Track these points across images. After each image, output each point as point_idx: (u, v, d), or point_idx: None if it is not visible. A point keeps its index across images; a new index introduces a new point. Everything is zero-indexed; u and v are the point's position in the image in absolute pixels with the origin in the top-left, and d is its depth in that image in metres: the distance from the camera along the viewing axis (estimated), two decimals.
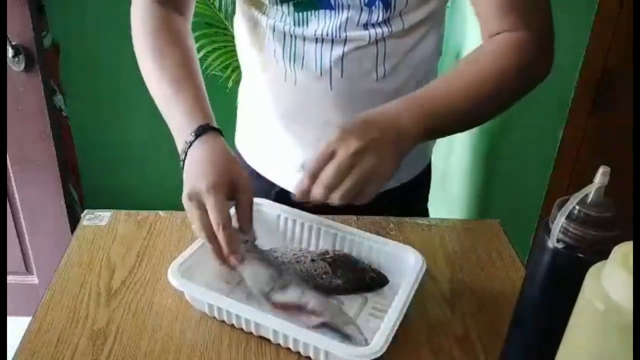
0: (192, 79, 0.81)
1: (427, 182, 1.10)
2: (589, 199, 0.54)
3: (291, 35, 0.86)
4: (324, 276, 0.74)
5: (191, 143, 0.74)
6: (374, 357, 0.61)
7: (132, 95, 1.80)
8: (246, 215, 0.73)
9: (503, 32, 0.78)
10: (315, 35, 0.84)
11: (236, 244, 0.70)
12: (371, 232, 0.83)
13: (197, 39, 1.61)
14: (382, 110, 0.72)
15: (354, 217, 0.91)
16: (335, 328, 0.67)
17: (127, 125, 1.89)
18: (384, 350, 0.62)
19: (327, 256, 0.76)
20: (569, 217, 0.54)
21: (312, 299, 0.68)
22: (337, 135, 0.68)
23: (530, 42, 0.77)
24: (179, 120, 0.78)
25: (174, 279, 0.70)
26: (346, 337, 0.67)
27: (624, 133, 1.43)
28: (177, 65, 0.81)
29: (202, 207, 0.69)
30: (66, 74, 1.77)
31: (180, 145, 0.76)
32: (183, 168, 0.75)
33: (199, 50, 1.60)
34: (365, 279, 0.75)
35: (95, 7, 1.68)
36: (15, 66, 1.55)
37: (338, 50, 0.85)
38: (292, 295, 0.69)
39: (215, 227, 0.69)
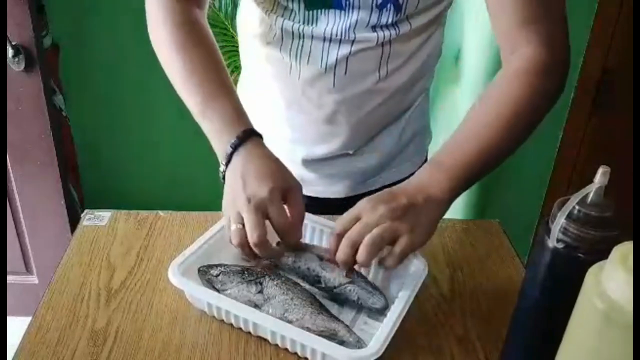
0: (225, 82, 0.81)
1: None
2: (589, 199, 0.54)
3: (300, 34, 0.86)
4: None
5: (237, 146, 0.74)
6: (371, 359, 0.61)
7: (132, 95, 1.80)
8: (298, 227, 0.74)
9: (522, 48, 0.76)
10: (324, 34, 0.84)
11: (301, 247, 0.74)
12: None
13: None
14: (411, 180, 0.73)
15: None
16: (328, 337, 0.67)
17: (127, 125, 1.88)
18: (381, 352, 0.62)
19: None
20: (569, 217, 0.54)
21: (294, 319, 0.68)
22: (365, 203, 0.68)
23: (548, 62, 0.75)
24: (218, 125, 0.77)
25: (174, 277, 0.71)
26: (340, 343, 0.66)
27: (624, 133, 1.43)
28: (209, 69, 0.80)
29: (260, 212, 0.69)
30: (66, 74, 1.76)
31: (222, 147, 0.75)
32: (225, 170, 0.75)
33: None
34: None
35: (95, 7, 1.68)
36: (15, 66, 1.55)
37: (344, 50, 0.85)
38: (275, 311, 0.69)
39: (283, 231, 0.70)
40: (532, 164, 1.55)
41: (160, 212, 0.93)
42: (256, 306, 0.70)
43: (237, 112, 0.78)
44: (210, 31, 0.86)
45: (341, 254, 0.67)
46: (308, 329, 0.67)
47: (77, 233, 0.88)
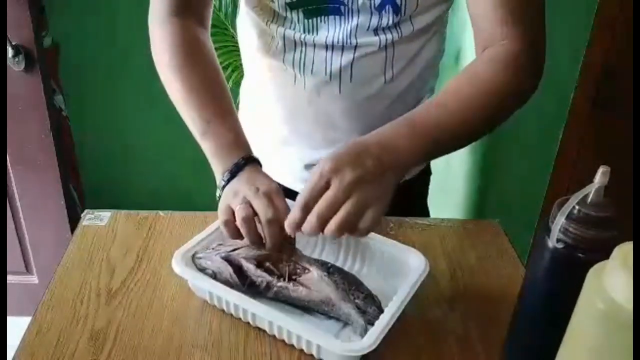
0: (225, 104, 0.81)
1: (426, 177, 1.10)
2: (589, 199, 0.54)
3: (301, 43, 0.85)
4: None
5: (241, 167, 0.75)
6: (365, 352, 0.62)
7: (132, 95, 1.80)
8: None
9: (497, 43, 0.77)
10: (325, 42, 0.84)
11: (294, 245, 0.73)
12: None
13: None
14: (377, 135, 0.70)
15: None
16: (336, 316, 0.68)
17: (127, 125, 1.89)
18: (374, 346, 0.62)
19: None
20: (569, 217, 0.54)
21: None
22: (330, 165, 0.64)
23: (522, 56, 0.76)
24: (217, 148, 0.77)
25: (177, 266, 0.71)
26: (346, 324, 0.68)
27: (624, 133, 1.43)
28: (209, 90, 0.80)
29: (267, 198, 0.69)
30: (66, 74, 1.77)
31: (220, 171, 0.76)
32: (224, 187, 0.75)
33: None
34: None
35: (95, 7, 1.68)
36: (15, 66, 1.55)
37: (348, 56, 0.85)
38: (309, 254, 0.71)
39: (285, 219, 0.68)
40: (532, 164, 1.55)
41: (160, 212, 0.93)
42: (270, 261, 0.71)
43: (236, 137, 0.78)
44: (212, 49, 0.86)
45: (309, 227, 0.64)
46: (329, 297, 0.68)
47: (77, 233, 0.88)
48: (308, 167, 0.98)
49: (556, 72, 1.46)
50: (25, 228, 1.85)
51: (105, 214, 0.92)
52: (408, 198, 1.04)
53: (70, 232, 1.68)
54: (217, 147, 0.77)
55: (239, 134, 0.79)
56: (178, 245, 0.77)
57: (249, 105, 1.04)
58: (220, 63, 1.66)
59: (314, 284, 0.69)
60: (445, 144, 0.75)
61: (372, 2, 0.80)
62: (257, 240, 0.71)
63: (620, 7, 1.34)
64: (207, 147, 0.78)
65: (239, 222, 0.70)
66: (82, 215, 0.92)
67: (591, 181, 0.53)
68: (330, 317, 0.71)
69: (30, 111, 1.64)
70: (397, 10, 0.81)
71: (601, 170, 0.53)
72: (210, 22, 0.89)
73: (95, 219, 0.91)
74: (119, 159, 1.95)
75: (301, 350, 0.68)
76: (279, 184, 0.75)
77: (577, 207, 0.54)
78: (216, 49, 1.63)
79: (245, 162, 0.75)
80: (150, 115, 1.80)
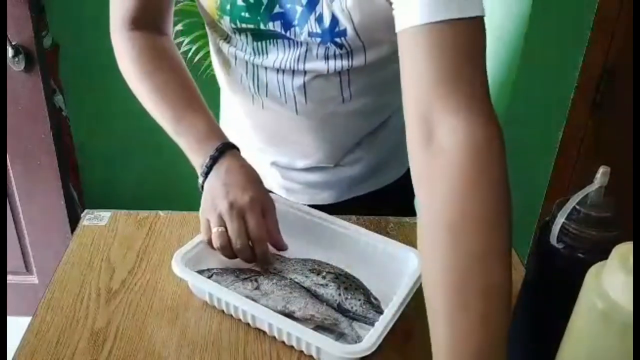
0: (193, 99, 0.82)
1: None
2: (589, 199, 0.54)
3: (252, 65, 0.84)
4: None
5: (216, 158, 0.76)
6: (364, 355, 0.62)
7: (132, 95, 1.80)
8: (276, 233, 0.76)
9: (446, 125, 0.56)
10: (274, 65, 0.82)
11: (269, 259, 0.75)
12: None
13: (196, 39, 1.60)
14: None
15: (354, 217, 0.91)
16: (329, 329, 0.68)
17: (127, 125, 1.89)
18: (374, 348, 0.62)
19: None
20: (569, 217, 0.54)
21: (297, 309, 0.69)
22: None
23: (498, 140, 0.56)
24: (193, 140, 0.79)
25: (177, 267, 0.72)
26: (341, 335, 0.67)
27: (624, 133, 1.43)
28: (176, 90, 0.82)
29: (241, 218, 0.72)
30: (66, 74, 1.76)
31: (200, 161, 0.77)
32: (204, 181, 0.77)
33: (198, 50, 1.60)
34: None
35: (95, 7, 1.68)
36: (15, 66, 1.55)
37: (299, 80, 0.82)
38: (275, 304, 0.69)
39: (256, 239, 0.73)
40: (532, 164, 1.55)
41: (160, 212, 0.93)
42: (254, 301, 0.70)
43: (209, 127, 0.80)
44: (176, 53, 0.86)
45: None
46: (312, 317, 0.68)
47: (77, 233, 0.88)
48: (287, 174, 0.97)
49: (556, 71, 1.46)
50: (25, 228, 1.85)
51: (105, 214, 0.92)
52: (407, 197, 1.04)
53: (70, 232, 1.68)
54: (190, 142, 0.79)
55: (211, 124, 0.80)
56: (178, 245, 0.77)
57: (225, 117, 1.03)
58: None
59: (310, 310, 0.70)
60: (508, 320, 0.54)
61: (314, 39, 0.77)
62: (234, 258, 0.75)
63: (620, 7, 1.34)
64: (182, 142, 0.80)
65: (216, 248, 0.74)
66: (82, 215, 0.92)
67: (591, 181, 0.53)
68: None
69: (30, 111, 1.64)
70: (339, 46, 0.77)
71: (601, 170, 0.53)
72: (171, 29, 0.89)
73: (95, 219, 0.91)
74: (119, 159, 1.95)
75: (301, 351, 0.68)
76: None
77: (577, 207, 0.54)
78: None
79: (219, 153, 0.76)
80: (150, 115, 1.80)
